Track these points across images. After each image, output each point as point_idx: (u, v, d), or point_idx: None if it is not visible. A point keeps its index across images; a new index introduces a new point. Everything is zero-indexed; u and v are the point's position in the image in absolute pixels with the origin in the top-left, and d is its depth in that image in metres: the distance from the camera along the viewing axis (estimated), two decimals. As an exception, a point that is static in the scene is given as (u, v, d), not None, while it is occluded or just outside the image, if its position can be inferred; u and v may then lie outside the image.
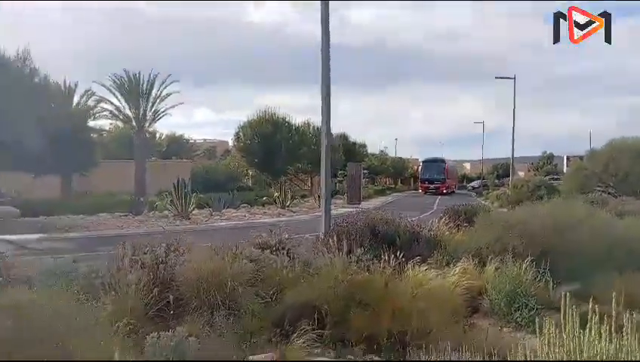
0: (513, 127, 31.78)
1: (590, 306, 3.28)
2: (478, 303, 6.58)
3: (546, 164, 68.34)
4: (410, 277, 6.29)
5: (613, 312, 3.55)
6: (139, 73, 23.64)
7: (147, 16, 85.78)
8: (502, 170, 66.44)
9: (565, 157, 61.68)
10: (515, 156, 35.31)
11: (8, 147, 14.65)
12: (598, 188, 25.63)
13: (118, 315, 5.41)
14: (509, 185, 39.97)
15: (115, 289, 5.81)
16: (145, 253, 6.69)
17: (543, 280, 6.81)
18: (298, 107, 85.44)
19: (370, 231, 9.04)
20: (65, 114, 18.34)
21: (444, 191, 48.35)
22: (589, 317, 3.42)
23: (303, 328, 5.19)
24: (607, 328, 3.92)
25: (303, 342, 4.84)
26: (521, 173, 60.59)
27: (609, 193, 25.52)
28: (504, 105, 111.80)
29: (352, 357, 5.02)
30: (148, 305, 5.77)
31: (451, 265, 7.35)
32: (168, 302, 5.92)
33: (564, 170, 56.87)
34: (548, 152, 71.62)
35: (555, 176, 43.88)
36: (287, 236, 8.20)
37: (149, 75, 23.77)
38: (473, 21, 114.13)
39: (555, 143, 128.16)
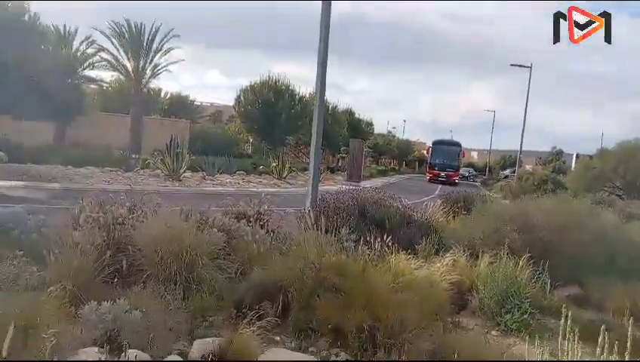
0: (525, 116, 30.73)
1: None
2: (466, 300, 5.95)
3: (555, 160, 67.30)
4: (393, 264, 5.63)
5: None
6: (141, 24, 22.71)
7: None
8: (509, 162, 65.54)
9: (575, 155, 60.68)
10: (524, 149, 34.41)
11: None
12: (606, 189, 24.88)
13: (57, 278, 4.81)
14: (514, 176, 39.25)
15: (60, 248, 5.18)
16: (104, 212, 6.08)
17: (540, 281, 6.18)
18: (310, 79, 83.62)
19: (358, 211, 8.40)
20: (55, 59, 17.49)
21: (456, 180, 40.47)
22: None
23: (263, 311, 4.59)
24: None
25: (259, 328, 4.21)
26: (528, 167, 59.68)
27: (616, 194, 24.77)
28: (516, 97, 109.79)
29: (314, 350, 4.40)
30: (97, 269, 5.15)
31: (441, 255, 6.71)
32: (120, 267, 5.34)
33: (572, 168, 56.01)
34: (557, 148, 70.45)
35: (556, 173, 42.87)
36: (267, 207, 7.57)
37: (152, 26, 22.84)
38: (491, 9, 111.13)
39: (566, 140, 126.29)
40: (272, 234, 6.79)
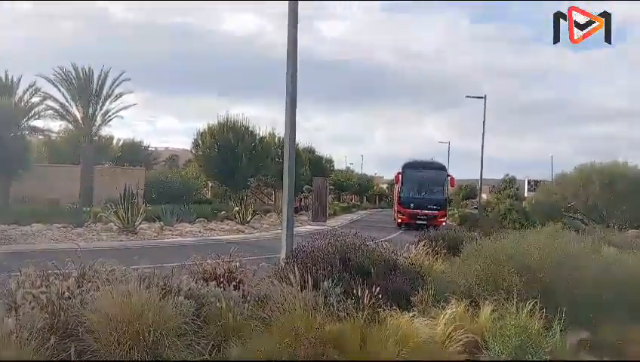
0: (482, 146, 30.82)
1: None
2: (476, 358, 5.24)
3: (508, 186, 68.77)
4: (392, 327, 4.89)
5: None
6: (89, 68, 21.66)
7: (115, 19, 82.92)
8: (465, 192, 66.56)
9: (526, 181, 62.28)
10: (477, 178, 34.66)
11: None
12: (568, 215, 25.09)
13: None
14: (474, 206, 39.53)
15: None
16: (47, 286, 5.11)
17: (552, 327, 5.57)
18: (266, 121, 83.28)
19: (339, 259, 7.65)
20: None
21: (443, 223, 25.29)
22: None
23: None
24: None
25: None
26: (484, 195, 60.71)
27: (579, 219, 25.00)
28: (466, 128, 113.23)
29: None
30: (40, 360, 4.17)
31: (438, 307, 6.02)
32: (69, 357, 4.36)
33: (526, 194, 57.24)
34: (510, 175, 72.07)
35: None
36: (238, 264, 6.72)
37: (101, 71, 21.82)
38: (439, 44, 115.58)
39: (515, 167, 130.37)
40: (247, 297, 5.94)
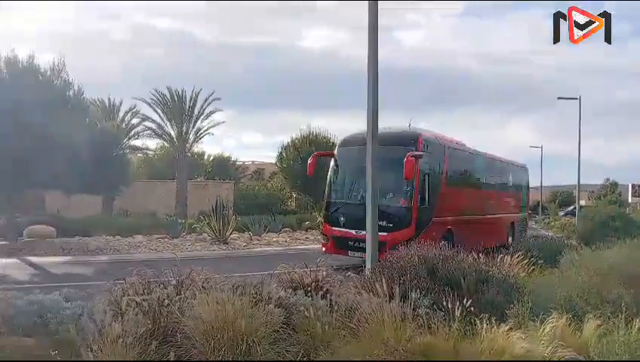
0: (579, 150, 28.91)
1: None
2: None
3: (610, 192, 63.78)
4: (487, 341, 4.67)
5: None
6: (182, 90, 23.12)
7: (198, 40, 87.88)
8: (561, 198, 62.66)
9: (630, 186, 57.27)
10: (574, 184, 32.43)
11: (39, 163, 14.04)
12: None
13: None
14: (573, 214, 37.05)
15: (99, 342, 4.51)
16: (149, 292, 5.44)
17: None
18: (348, 132, 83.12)
19: (426, 270, 7.46)
20: (101, 131, 17.82)
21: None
22: None
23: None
24: None
25: None
26: (582, 202, 56.68)
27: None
28: (557, 131, 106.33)
29: None
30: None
31: (536, 321, 5.67)
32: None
33: (629, 200, 52.68)
34: (611, 180, 66.82)
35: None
36: (325, 273, 6.76)
37: (192, 92, 23.23)
38: (525, 45, 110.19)
39: (616, 171, 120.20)
40: (335, 307, 5.95)
